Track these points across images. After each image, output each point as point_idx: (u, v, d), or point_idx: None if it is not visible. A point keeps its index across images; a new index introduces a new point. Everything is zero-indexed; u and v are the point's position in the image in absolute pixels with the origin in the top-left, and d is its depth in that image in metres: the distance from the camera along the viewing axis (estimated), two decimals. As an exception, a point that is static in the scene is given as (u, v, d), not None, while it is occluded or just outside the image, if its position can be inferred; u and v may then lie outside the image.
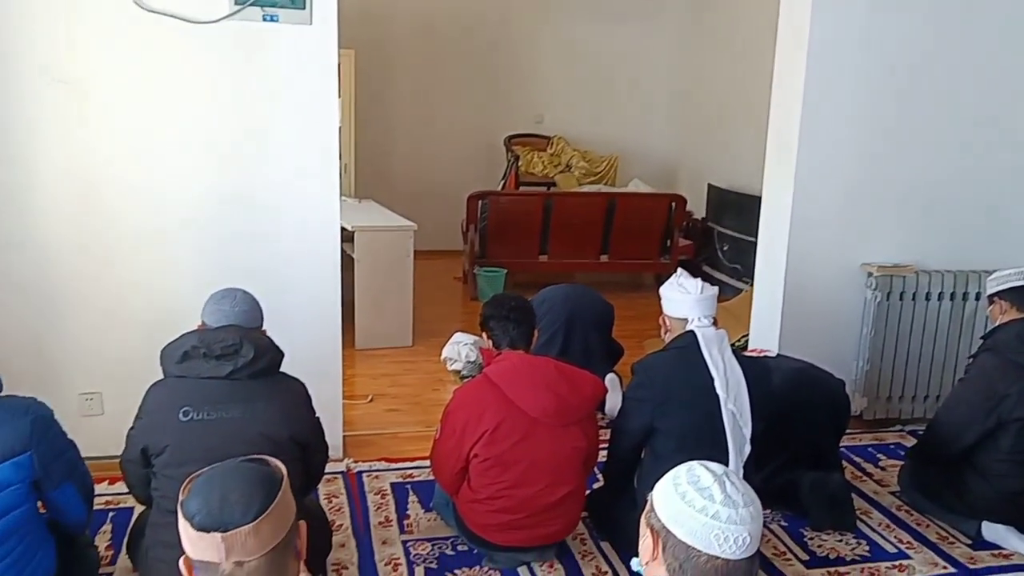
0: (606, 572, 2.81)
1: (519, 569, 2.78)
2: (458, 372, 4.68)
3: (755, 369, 2.76)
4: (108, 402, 3.25)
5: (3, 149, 3.05)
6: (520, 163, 7.58)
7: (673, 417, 2.66)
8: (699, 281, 2.81)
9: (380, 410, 4.15)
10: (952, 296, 3.89)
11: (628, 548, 2.83)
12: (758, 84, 6.07)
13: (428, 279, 5.40)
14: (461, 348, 4.76)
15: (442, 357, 4.80)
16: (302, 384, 2.51)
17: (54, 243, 3.17)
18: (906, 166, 3.85)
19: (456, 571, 2.77)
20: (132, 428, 2.36)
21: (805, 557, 2.93)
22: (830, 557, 2.93)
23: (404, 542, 2.93)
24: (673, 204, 6.53)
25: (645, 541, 1.41)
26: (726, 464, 2.65)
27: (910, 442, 3.75)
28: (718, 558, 1.31)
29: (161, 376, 2.39)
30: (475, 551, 2.84)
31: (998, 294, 3.06)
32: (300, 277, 3.34)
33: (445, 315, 5.88)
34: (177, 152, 3.20)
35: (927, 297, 3.88)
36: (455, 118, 7.70)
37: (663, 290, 2.86)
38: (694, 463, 1.42)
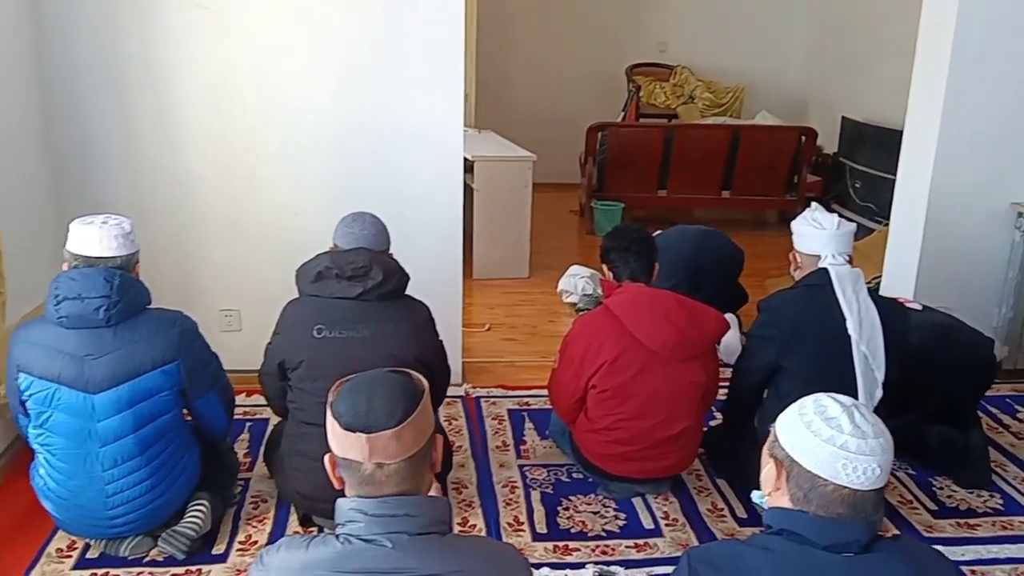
0: (722, 508, 2.79)
1: (633, 500, 2.80)
2: (574, 305, 4.68)
3: (893, 312, 2.63)
4: (246, 319, 3.42)
5: (148, 71, 3.19)
6: (641, 94, 7.37)
7: (800, 356, 2.58)
8: (835, 216, 2.68)
9: (497, 339, 4.21)
10: (1117, 240, 3.58)
11: (747, 487, 2.82)
12: (903, 9, 5.67)
13: (544, 212, 5.38)
14: (577, 281, 4.75)
15: (558, 289, 4.82)
16: (427, 308, 2.57)
17: (197, 164, 3.32)
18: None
19: (571, 497, 2.82)
20: (270, 343, 2.49)
21: (933, 507, 2.83)
22: (960, 508, 2.82)
23: (521, 466, 3.00)
24: (803, 137, 6.22)
25: (768, 472, 1.41)
26: (855, 407, 2.59)
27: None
28: (845, 488, 1.30)
29: (296, 295, 2.50)
30: (590, 479, 2.88)
31: None
32: (424, 204, 3.39)
33: (560, 248, 5.86)
34: (310, 78, 3.27)
35: (1087, 241, 3.58)
36: (576, 47, 7.52)
37: (795, 225, 2.75)
38: (820, 394, 1.41)
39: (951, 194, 3.56)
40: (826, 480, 1.30)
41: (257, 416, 3.23)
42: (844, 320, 2.54)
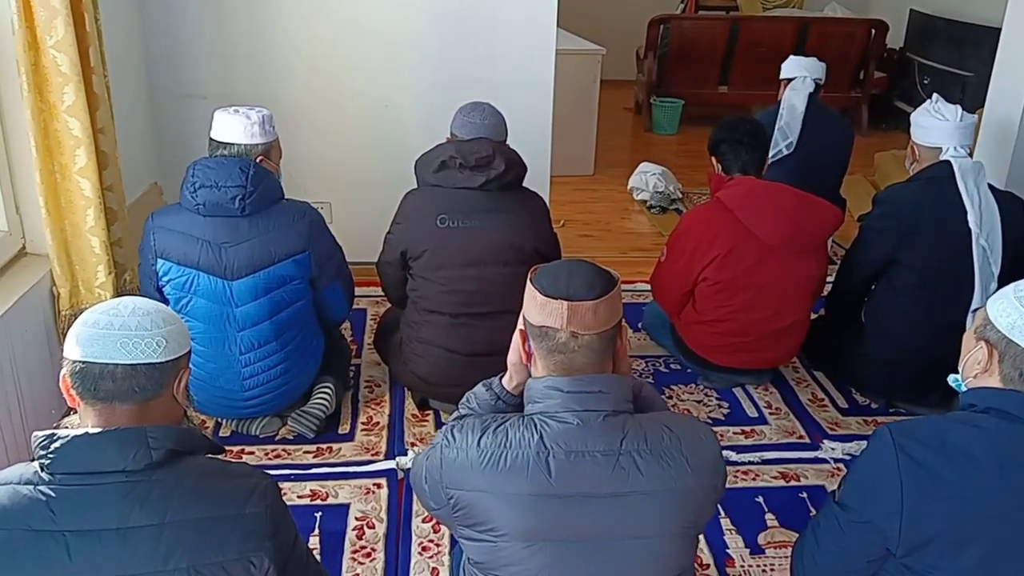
0: (822, 399, 2.84)
1: (734, 390, 2.85)
2: (645, 202, 4.66)
3: (1012, 206, 2.59)
4: (336, 211, 3.42)
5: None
6: (701, -16, 7.11)
7: (918, 249, 2.56)
8: (958, 107, 2.61)
9: (573, 235, 4.21)
10: None
11: (848, 379, 2.87)
12: None
13: (601, 109, 5.29)
14: (648, 178, 4.71)
15: (629, 187, 4.78)
16: (543, 199, 2.56)
17: (287, 56, 3.27)
18: None
19: (673, 387, 2.87)
20: (390, 233, 2.49)
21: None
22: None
23: (617, 358, 3.04)
24: (873, 31, 6.01)
25: (975, 354, 1.41)
26: (970, 301, 2.59)
27: None
28: None
29: (403, 185, 2.50)
30: (688, 370, 2.93)
31: None
32: (516, 97, 3.32)
33: (620, 146, 5.80)
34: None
35: None
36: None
37: (915, 116, 2.68)
38: None
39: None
40: None
41: (356, 307, 3.27)
42: (965, 213, 2.51)
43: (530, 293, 1.41)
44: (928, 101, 2.69)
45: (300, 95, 3.32)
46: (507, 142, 2.53)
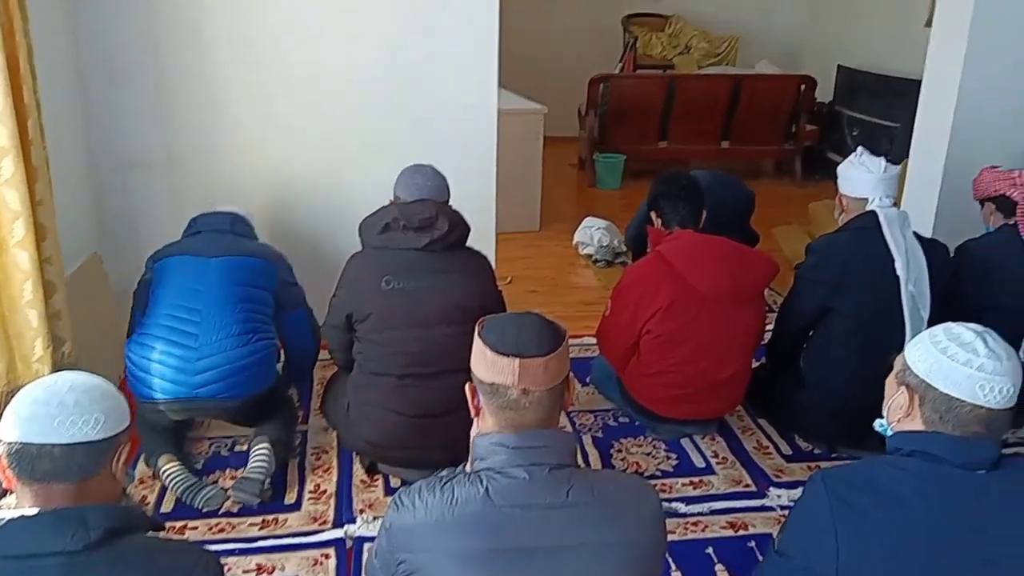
0: (767, 446, 2.88)
1: (681, 441, 2.88)
2: (591, 256, 4.73)
3: (937, 250, 2.71)
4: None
5: (184, 26, 3.14)
6: (638, 44, 7.34)
7: (850, 297, 2.65)
8: (882, 160, 2.74)
9: (521, 291, 4.25)
10: None
11: (790, 426, 2.93)
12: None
13: (545, 165, 5.41)
14: (593, 232, 4.80)
15: (574, 241, 4.86)
16: (486, 258, 2.60)
17: (234, 119, 3.30)
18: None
19: (621, 440, 2.89)
20: (335, 296, 2.50)
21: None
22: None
23: (568, 412, 3.06)
24: (802, 86, 6.28)
25: (897, 400, 1.47)
26: (903, 346, 2.67)
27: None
28: (982, 407, 1.38)
29: (346, 248, 2.54)
30: (637, 423, 2.96)
31: None
32: (460, 157, 3.39)
33: (564, 201, 5.91)
34: (346, 40, 3.27)
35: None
36: (570, -1, 7.45)
37: (841, 169, 2.80)
38: (949, 323, 1.49)
39: (971, 136, 3.63)
40: (964, 401, 1.37)
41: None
42: (893, 261, 2.61)
43: (479, 349, 1.43)
44: (853, 154, 2.81)
45: (245, 161, 3.33)
46: (450, 202, 2.58)
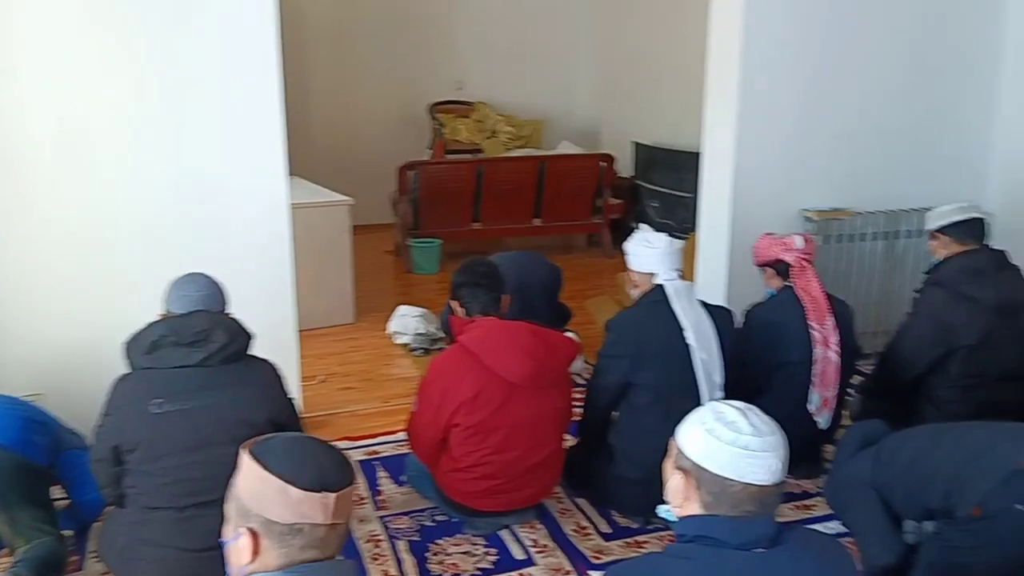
0: (586, 527, 2.84)
1: (500, 533, 2.79)
2: (407, 345, 4.62)
3: (722, 316, 2.82)
4: (52, 402, 3.05)
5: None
6: (445, 131, 7.46)
7: (648, 371, 2.70)
8: (664, 235, 2.84)
9: (333, 389, 4.06)
10: (886, 235, 4.07)
11: (607, 502, 2.91)
12: (679, 39, 6.16)
13: (358, 254, 5.31)
14: (408, 321, 4.70)
15: (388, 331, 4.74)
16: (273, 365, 2.43)
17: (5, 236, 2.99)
18: (840, 114, 3.98)
19: (439, 541, 2.76)
20: (100, 425, 2.24)
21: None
22: (795, 492, 3.04)
23: (381, 518, 2.90)
24: (602, 163, 6.57)
25: (675, 484, 1.45)
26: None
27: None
28: (752, 485, 1.38)
29: (113, 370, 2.29)
30: (455, 520, 2.84)
31: (939, 230, 3.19)
32: (251, 259, 3.23)
33: (381, 290, 5.79)
34: (121, 139, 3.06)
35: (862, 238, 4.04)
36: (374, 89, 7.48)
37: (628, 246, 2.88)
38: (714, 403, 1.49)
39: (749, 206, 3.89)
40: (734, 480, 1.37)
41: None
42: (682, 331, 2.69)
43: (274, 488, 1.25)
44: (637, 232, 2.91)
45: (12, 272, 3.02)
46: (229, 310, 2.41)
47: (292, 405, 2.47)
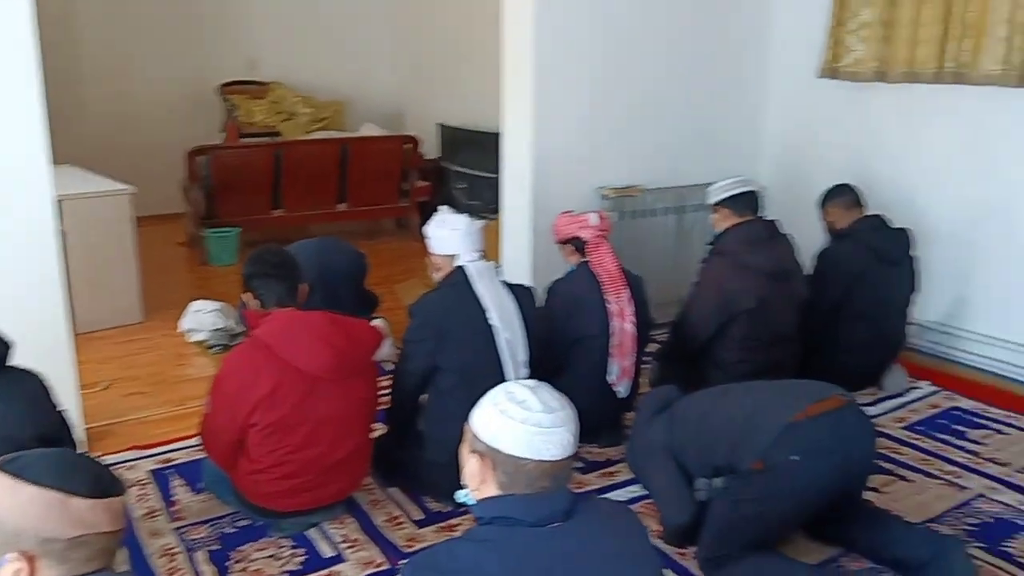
0: (398, 516, 2.79)
1: (308, 532, 2.68)
2: (202, 342, 4.35)
3: (524, 294, 2.85)
4: None
5: None
6: (238, 113, 7.07)
7: (453, 353, 2.68)
8: (464, 216, 2.82)
9: (119, 396, 3.73)
10: (675, 210, 4.29)
11: (419, 489, 2.87)
12: (481, 18, 6.16)
13: (148, 247, 4.91)
14: (203, 317, 4.42)
15: (181, 329, 4.43)
16: (38, 376, 2.19)
17: None
18: (629, 95, 4.16)
19: (241, 548, 2.60)
20: None
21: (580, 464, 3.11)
22: (599, 461, 3.15)
23: (176, 529, 2.69)
24: (406, 145, 6.49)
25: (471, 467, 1.44)
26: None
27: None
28: (545, 461, 1.39)
29: None
30: (258, 524, 2.69)
31: (719, 203, 3.40)
32: (10, 257, 2.89)
33: (173, 284, 5.42)
34: None
35: (654, 213, 4.25)
36: (156, 67, 6.94)
37: (428, 229, 2.84)
38: (505, 383, 1.49)
39: (549, 185, 3.98)
40: (527, 459, 1.38)
41: None
42: (485, 312, 2.69)
43: (50, 503, 1.15)
44: (436, 214, 2.87)
45: None
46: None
47: (64, 418, 2.23)
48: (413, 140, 6.56)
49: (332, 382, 2.54)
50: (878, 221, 3.62)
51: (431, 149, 7.02)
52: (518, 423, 1.38)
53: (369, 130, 7.02)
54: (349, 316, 2.68)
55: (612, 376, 3.09)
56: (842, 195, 3.68)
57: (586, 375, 3.07)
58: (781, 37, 4.56)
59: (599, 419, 3.07)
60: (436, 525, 2.73)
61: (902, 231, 3.61)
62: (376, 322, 3.84)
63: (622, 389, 3.13)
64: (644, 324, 3.19)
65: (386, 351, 3.50)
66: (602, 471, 3.09)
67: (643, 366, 3.33)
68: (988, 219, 3.87)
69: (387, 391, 2.88)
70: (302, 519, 2.66)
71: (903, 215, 3.79)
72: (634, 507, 2.70)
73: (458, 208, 3.13)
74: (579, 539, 1.37)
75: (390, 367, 3.03)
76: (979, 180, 3.89)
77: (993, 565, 2.49)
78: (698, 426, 2.52)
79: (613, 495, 2.88)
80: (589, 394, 2.88)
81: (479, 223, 2.88)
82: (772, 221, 3.41)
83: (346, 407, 2.60)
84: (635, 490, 2.88)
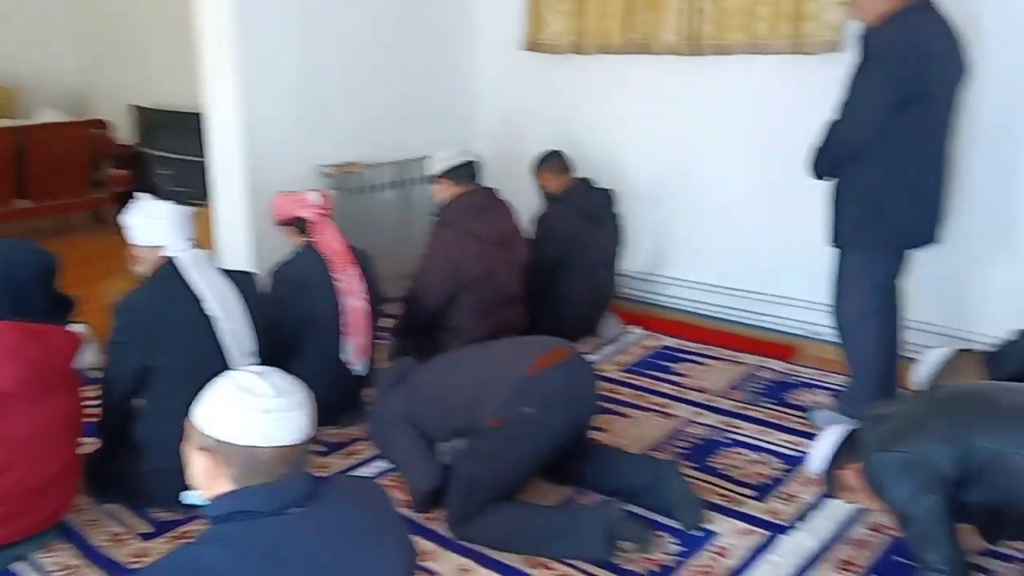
0: (121, 533, 2.54)
1: (15, 567, 2.35)
2: None
3: (244, 280, 2.70)
4: None
5: None
6: None
7: (168, 352, 2.48)
8: (168, 203, 2.61)
9: None
10: (398, 184, 4.30)
11: (140, 501, 2.63)
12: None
13: None
14: None
15: None
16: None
17: None
18: (341, 67, 4.08)
19: (-70, 603, 2.23)
20: None
21: (322, 448, 3.02)
22: (343, 441, 3.08)
23: None
24: (95, 131, 5.87)
25: (198, 467, 1.34)
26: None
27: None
28: (284, 446, 1.33)
29: None
30: (-48, 570, 2.32)
31: (440, 174, 3.44)
32: None
33: None
34: None
35: (377, 189, 4.22)
36: None
37: (127, 220, 2.60)
38: (229, 372, 1.41)
39: (264, 165, 3.78)
40: (263, 446, 1.30)
41: None
42: (200, 303, 2.51)
43: None
44: (134, 203, 2.63)
45: None
46: None
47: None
48: (102, 124, 5.95)
49: (28, 397, 2.24)
50: (586, 184, 3.88)
51: (127, 134, 6.40)
52: (249, 411, 1.30)
53: (49, 116, 6.24)
54: (43, 324, 2.37)
55: (348, 354, 3.03)
56: (552, 161, 3.89)
57: (320, 356, 2.98)
58: (487, 10, 4.70)
59: (338, 399, 3.02)
60: (167, 535, 2.52)
61: (606, 191, 3.90)
62: (76, 327, 3.45)
63: (359, 367, 3.08)
64: (376, 300, 3.16)
65: (89, 357, 3.15)
66: (347, 451, 3.02)
67: (379, 342, 3.31)
68: (677, 176, 4.29)
69: (95, 401, 2.60)
70: (7, 552, 2.33)
71: (607, 177, 4.09)
72: (381, 481, 2.69)
73: (163, 196, 2.87)
74: (323, 521, 1.32)
75: (97, 375, 2.73)
76: (667, 142, 4.29)
77: (703, 481, 2.80)
78: (434, 393, 2.55)
79: (359, 473, 2.84)
80: (324, 375, 2.80)
81: (188, 210, 2.67)
82: (491, 189, 3.52)
83: (47, 423, 2.31)
84: (382, 465, 2.86)
